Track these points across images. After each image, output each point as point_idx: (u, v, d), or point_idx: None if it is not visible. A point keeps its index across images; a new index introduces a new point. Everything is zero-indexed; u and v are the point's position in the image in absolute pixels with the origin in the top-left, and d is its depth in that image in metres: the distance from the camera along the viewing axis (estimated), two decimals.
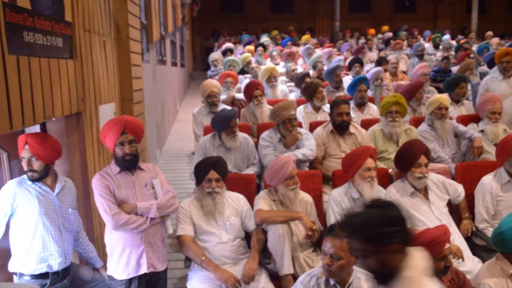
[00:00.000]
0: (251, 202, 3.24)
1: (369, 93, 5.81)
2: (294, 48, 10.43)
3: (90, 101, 3.37)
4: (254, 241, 3.08)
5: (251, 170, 3.92)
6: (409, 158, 3.28)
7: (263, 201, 3.10)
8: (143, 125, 2.98)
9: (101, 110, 3.62)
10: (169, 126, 8.12)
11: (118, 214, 2.72)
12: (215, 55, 7.76)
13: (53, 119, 2.79)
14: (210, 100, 4.85)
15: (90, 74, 3.38)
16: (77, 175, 3.24)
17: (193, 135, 4.96)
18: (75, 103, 3.04)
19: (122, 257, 2.82)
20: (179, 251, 3.51)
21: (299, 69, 7.56)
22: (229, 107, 4.77)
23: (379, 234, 1.67)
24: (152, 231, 2.87)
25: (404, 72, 8.16)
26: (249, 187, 3.46)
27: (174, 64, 9.30)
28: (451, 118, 4.56)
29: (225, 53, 8.54)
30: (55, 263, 2.69)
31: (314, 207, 3.26)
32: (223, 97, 5.47)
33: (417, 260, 1.67)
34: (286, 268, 2.92)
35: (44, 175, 2.69)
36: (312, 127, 4.43)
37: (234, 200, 3.19)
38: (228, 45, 9.71)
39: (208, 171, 3.07)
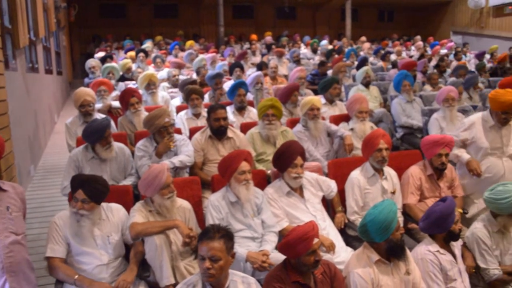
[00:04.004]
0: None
1: (251, 97, 5.94)
2: (180, 54, 10.35)
3: None
4: (132, 254, 2.95)
5: (129, 181, 3.77)
6: (286, 159, 3.39)
7: (138, 214, 2.97)
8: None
9: None
10: (45, 138, 7.54)
11: None
12: (92, 61, 7.38)
13: None
14: (84, 109, 4.56)
15: None
16: None
17: (67, 147, 4.64)
18: None
19: None
20: None
21: (183, 75, 7.49)
22: (103, 116, 4.54)
23: None
24: (15, 259, 2.61)
25: (285, 76, 8.48)
26: (124, 199, 3.29)
27: (49, 71, 8.67)
28: (324, 119, 4.81)
29: (104, 59, 8.16)
30: None
31: (193, 213, 3.22)
32: (98, 106, 5.21)
33: None
34: (166, 279, 2.83)
35: None
36: (192, 133, 4.39)
37: (114, 214, 3.00)
38: (99, 55, 9.30)
39: (76, 190, 2.80)
